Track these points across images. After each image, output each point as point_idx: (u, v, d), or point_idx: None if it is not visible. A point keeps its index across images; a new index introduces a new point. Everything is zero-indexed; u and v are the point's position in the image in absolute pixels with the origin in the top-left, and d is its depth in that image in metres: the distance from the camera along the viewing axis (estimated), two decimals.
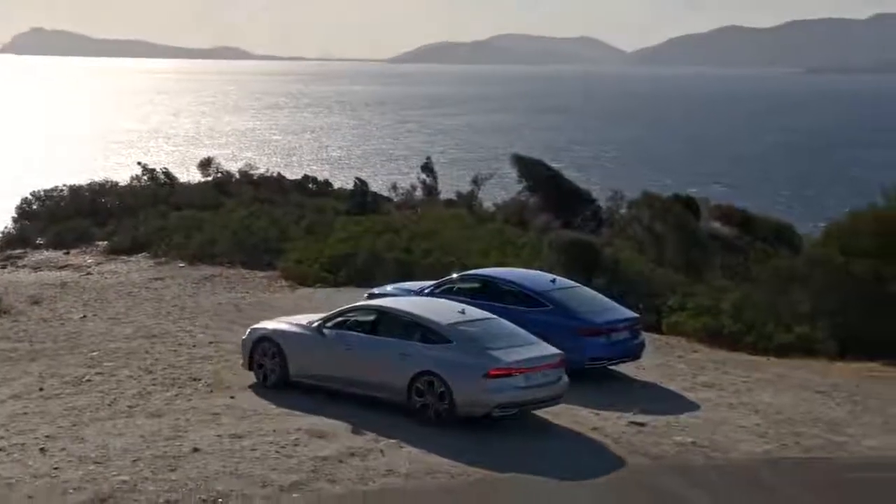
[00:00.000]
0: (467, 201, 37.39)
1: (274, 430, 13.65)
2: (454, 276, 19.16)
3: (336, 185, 43.97)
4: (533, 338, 14.99)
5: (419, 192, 39.74)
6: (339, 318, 15.42)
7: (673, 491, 12.37)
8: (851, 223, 23.61)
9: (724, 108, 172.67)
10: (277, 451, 12.89)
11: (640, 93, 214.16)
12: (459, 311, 15.02)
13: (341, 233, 29.19)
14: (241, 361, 16.23)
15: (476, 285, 18.39)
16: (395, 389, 14.33)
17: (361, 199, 36.88)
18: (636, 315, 18.38)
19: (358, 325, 15.21)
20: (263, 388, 15.68)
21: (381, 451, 13.06)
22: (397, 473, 12.39)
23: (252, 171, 41.88)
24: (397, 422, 14.05)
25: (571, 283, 18.87)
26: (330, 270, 25.93)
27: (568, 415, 14.89)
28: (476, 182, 38.46)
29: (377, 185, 44.31)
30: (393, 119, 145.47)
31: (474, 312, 15.19)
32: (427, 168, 40.61)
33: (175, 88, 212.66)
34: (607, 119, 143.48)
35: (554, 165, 39.61)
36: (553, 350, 14.63)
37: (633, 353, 17.74)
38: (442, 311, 15.14)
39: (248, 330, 16.34)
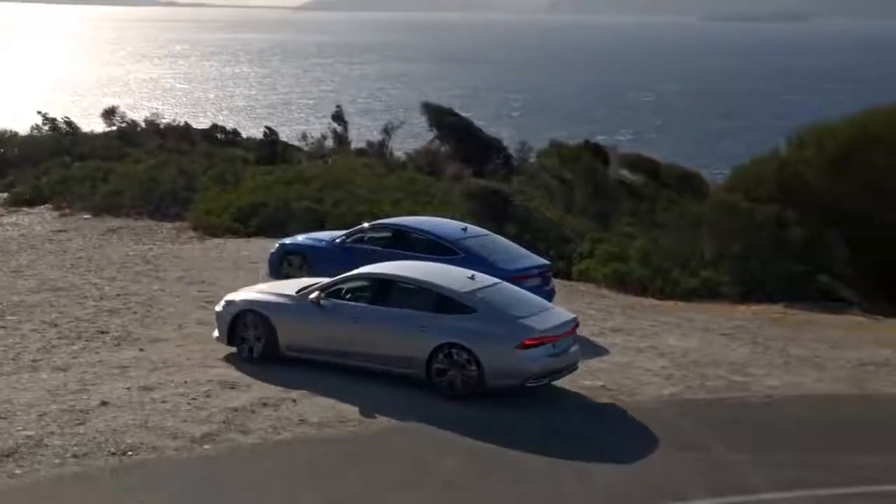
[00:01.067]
0: (378, 150, 37.21)
1: (185, 382, 13.51)
2: (366, 225, 19.10)
3: (245, 134, 43.30)
4: (545, 302, 14.53)
5: (330, 142, 39.37)
6: (338, 287, 14.28)
7: (581, 432, 12.61)
8: (754, 169, 24.12)
9: (623, 56, 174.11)
10: (189, 403, 12.77)
11: (540, 44, 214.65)
12: (469, 277, 14.11)
13: (251, 183, 28.84)
14: (214, 334, 14.88)
15: (387, 234, 18.36)
16: (414, 362, 13.47)
17: (271, 148, 36.43)
18: (547, 262, 18.56)
19: (362, 295, 14.10)
20: (173, 340, 15.50)
21: (294, 399, 13.03)
22: (309, 422, 12.38)
23: (158, 121, 41.04)
24: (311, 375, 14.01)
25: (483, 231, 18.96)
26: (240, 221, 25.63)
27: None
28: (387, 131, 38.25)
29: (287, 135, 43.76)
30: (301, 68, 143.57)
31: (484, 279, 14.23)
32: (338, 117, 40.21)
33: (72, 35, 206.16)
34: (513, 68, 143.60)
35: (464, 114, 39.60)
36: (570, 315, 14.11)
37: (545, 300, 17.91)
38: (454, 277, 14.15)
39: (223, 302, 14.85)
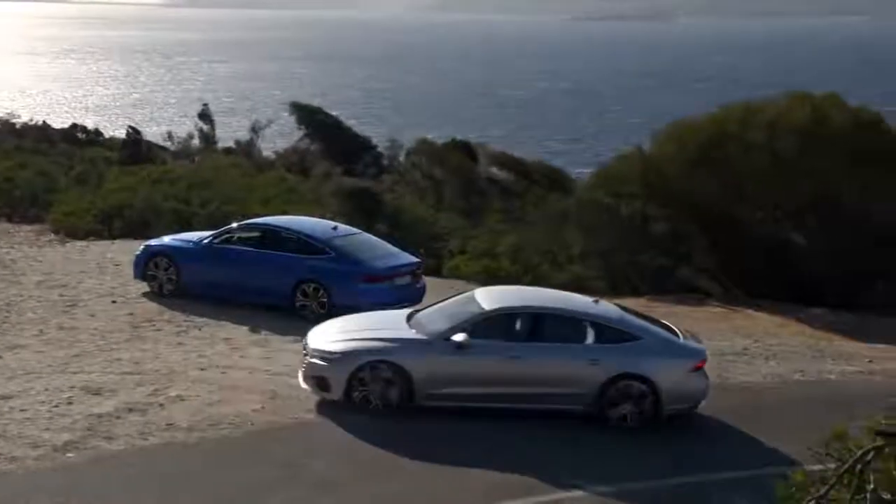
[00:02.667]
0: (246, 149, 36.79)
1: (46, 389, 13.06)
2: (234, 225, 18.82)
3: (107, 134, 42.20)
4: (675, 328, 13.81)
5: (196, 141, 38.73)
6: (480, 325, 12.84)
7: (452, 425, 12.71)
8: (619, 166, 24.71)
9: (494, 54, 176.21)
10: (50, 411, 12.34)
11: (418, 42, 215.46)
12: (594, 301, 13.65)
13: (114, 183, 28.12)
14: (304, 384, 13.05)
15: (256, 234, 18.13)
16: (583, 398, 12.68)
17: (135, 148, 35.63)
18: (418, 260, 18.64)
19: (515, 331, 12.92)
20: (33, 346, 14.99)
21: (161, 404, 12.75)
22: (178, 427, 12.14)
23: (14, 120, 39.65)
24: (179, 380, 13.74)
25: (353, 229, 18.94)
26: (104, 222, 24.97)
27: None
28: (255, 130, 37.89)
29: (152, 134, 42.83)
30: (164, 66, 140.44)
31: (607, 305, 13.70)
32: (204, 116, 39.64)
33: None
34: (382, 66, 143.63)
35: (332, 113, 39.47)
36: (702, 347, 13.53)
37: (415, 298, 18.00)
38: (593, 305, 13.41)
39: (325, 352, 12.86)
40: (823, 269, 21.62)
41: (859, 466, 6.04)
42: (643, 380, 12.68)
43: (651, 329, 13.24)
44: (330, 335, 13.25)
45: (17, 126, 38.88)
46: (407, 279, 17.81)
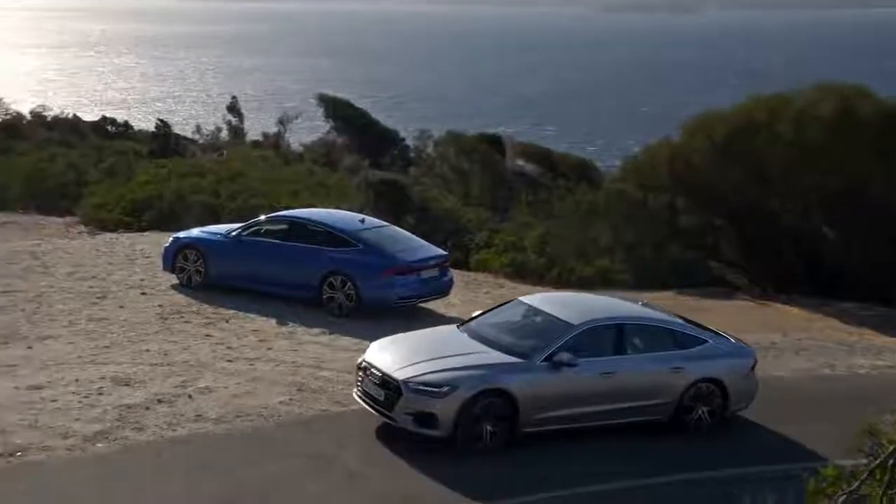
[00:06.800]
0: (274, 142, 36.92)
1: (76, 380, 13.18)
2: (262, 217, 18.88)
3: (136, 126, 42.48)
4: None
5: (225, 134, 38.93)
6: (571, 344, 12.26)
7: None
8: (647, 158, 24.59)
9: (522, 47, 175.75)
10: (80, 401, 12.46)
11: (430, 34, 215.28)
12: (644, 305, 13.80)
13: (144, 176, 28.28)
14: (408, 421, 11.74)
15: (284, 227, 18.17)
16: (666, 407, 12.62)
17: (164, 141, 35.85)
18: (445, 253, 18.64)
19: (604, 347, 12.50)
20: (64, 337, 15.11)
21: (190, 395, 12.84)
22: (207, 418, 12.22)
23: (45, 113, 39.98)
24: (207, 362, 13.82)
25: (380, 222, 18.94)
26: (133, 215, 25.13)
27: None
28: (283, 122, 38.00)
29: (180, 127, 43.06)
30: (189, 59, 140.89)
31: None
32: (233, 109, 39.82)
33: None
34: (400, 60, 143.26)
35: (359, 105, 39.52)
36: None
37: (443, 291, 18.02)
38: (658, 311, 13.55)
39: (427, 380, 11.69)
40: (853, 262, 21.45)
41: (892, 461, 5.99)
42: (715, 382, 12.76)
43: (711, 332, 13.38)
44: (409, 360, 12.05)
45: (48, 119, 39.19)
46: (434, 272, 17.81)
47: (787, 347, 16.78)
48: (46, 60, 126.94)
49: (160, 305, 17.08)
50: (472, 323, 13.18)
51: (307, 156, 34.88)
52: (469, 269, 22.15)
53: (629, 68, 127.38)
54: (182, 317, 16.45)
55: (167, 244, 18.88)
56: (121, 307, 16.89)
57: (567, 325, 12.36)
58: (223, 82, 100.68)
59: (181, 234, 19.14)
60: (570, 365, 11.95)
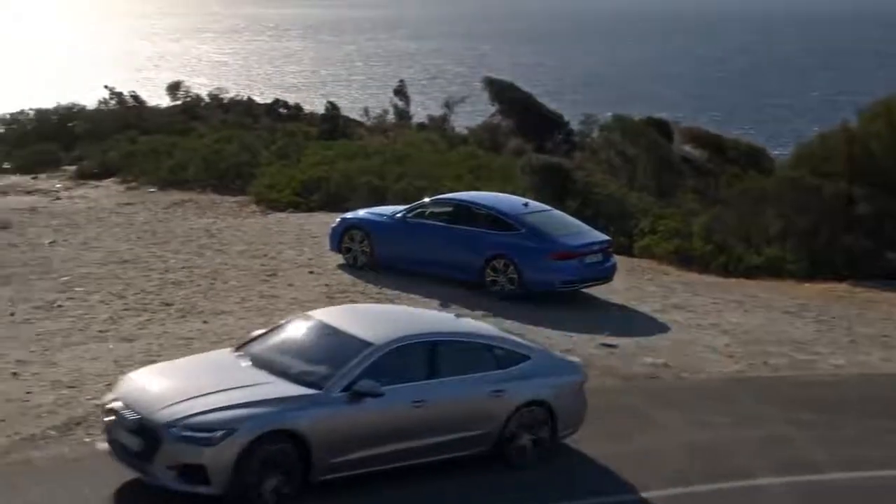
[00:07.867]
0: (439, 125, 37.21)
1: None
2: (426, 200, 19.10)
3: (306, 108, 43.54)
4: None
5: (391, 116, 39.48)
6: None
7: (644, 411, 12.54)
8: (822, 144, 23.71)
9: (700, 30, 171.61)
10: None
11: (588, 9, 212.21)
12: None
13: (313, 157, 28.97)
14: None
15: (449, 209, 18.33)
16: None
17: (333, 123, 36.63)
18: (608, 238, 18.44)
19: None
20: (236, 313, 15.69)
21: None
22: None
23: (222, 95, 41.46)
24: None
25: (544, 206, 18.88)
26: (302, 195, 25.80)
27: (541, 337, 14.99)
28: (448, 106, 38.26)
29: (348, 110, 43.90)
30: (356, 42, 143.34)
31: None
32: (399, 92, 40.32)
33: (122, 9, 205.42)
34: (559, 42, 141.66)
35: (525, 88, 39.37)
36: None
37: (605, 276, 17.85)
38: None
39: None
40: None
41: None
42: (542, 405, 10.82)
43: (531, 345, 11.54)
44: (172, 397, 9.67)
45: (225, 101, 40.62)
46: (597, 257, 17.66)
47: None
48: (219, 44, 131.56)
49: (327, 285, 17.51)
50: (252, 345, 10.81)
51: (471, 139, 35.04)
52: (633, 256, 21.84)
53: (794, 51, 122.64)
54: (347, 296, 16.83)
55: (334, 224, 19.33)
56: (290, 285, 17.41)
57: (367, 345, 10.21)
58: (386, 66, 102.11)
59: (348, 215, 19.56)
60: (373, 395, 9.88)
